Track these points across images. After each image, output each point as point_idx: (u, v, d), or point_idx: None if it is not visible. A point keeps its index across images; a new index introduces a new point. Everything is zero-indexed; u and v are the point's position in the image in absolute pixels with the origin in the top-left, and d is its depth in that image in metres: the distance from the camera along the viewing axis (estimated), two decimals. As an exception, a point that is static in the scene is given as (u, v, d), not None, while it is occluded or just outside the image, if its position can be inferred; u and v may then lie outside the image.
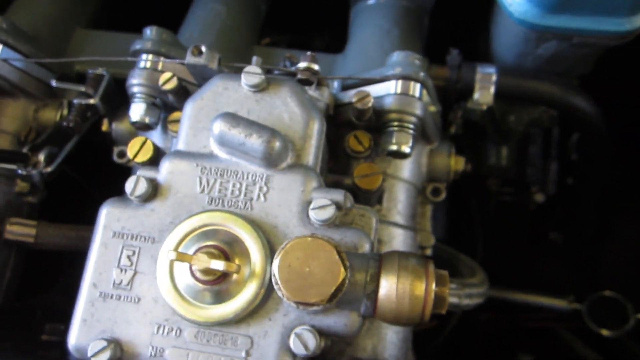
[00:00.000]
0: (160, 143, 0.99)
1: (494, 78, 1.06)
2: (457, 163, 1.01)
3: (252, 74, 0.78)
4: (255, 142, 0.72)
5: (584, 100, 1.11)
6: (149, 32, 0.97)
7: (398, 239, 0.92)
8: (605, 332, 1.44)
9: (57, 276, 1.19)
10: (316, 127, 0.77)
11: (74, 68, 1.15)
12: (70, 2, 1.23)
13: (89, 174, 1.18)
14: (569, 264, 1.67)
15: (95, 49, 1.20)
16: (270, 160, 0.73)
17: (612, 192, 1.58)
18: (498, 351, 1.64)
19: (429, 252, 0.99)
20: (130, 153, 0.86)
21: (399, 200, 0.94)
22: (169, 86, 0.89)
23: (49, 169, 1.00)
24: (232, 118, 0.73)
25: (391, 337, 0.90)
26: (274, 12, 1.36)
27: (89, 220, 0.86)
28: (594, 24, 0.94)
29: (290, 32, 1.43)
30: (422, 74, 0.91)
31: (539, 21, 0.95)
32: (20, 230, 1.00)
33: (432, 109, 0.99)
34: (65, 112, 1.07)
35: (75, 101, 1.03)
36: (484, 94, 1.06)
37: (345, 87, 0.97)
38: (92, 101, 1.01)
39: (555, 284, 1.64)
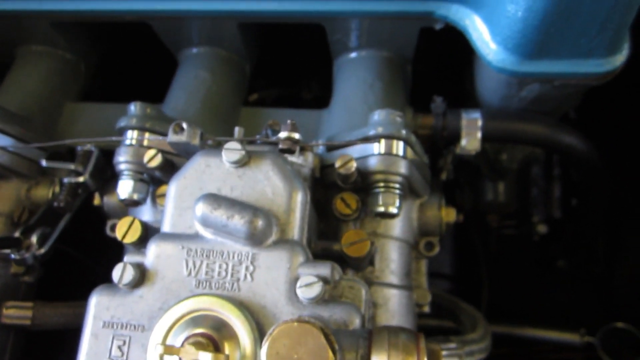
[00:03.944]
0: (150, 216, 1.00)
1: (479, 123, 1.06)
2: (449, 215, 1.00)
3: (233, 150, 0.78)
4: (238, 222, 0.71)
5: (573, 136, 1.09)
6: (133, 108, 0.98)
7: (393, 300, 0.90)
8: (619, 365, 1.41)
9: (58, 354, 1.18)
10: (299, 199, 0.77)
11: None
12: (60, 80, 1.25)
13: (84, 246, 1.18)
14: (579, 291, 1.64)
15: (85, 121, 1.22)
16: (255, 239, 0.72)
17: (617, 217, 1.56)
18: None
19: (426, 309, 0.97)
20: (118, 234, 0.86)
21: (391, 259, 0.92)
22: (154, 163, 0.90)
23: (42, 251, 1.00)
24: (214, 200, 0.73)
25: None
26: (261, 68, 1.37)
27: (90, 292, 0.85)
28: (573, 67, 0.93)
29: (278, 86, 1.45)
30: (403, 131, 0.90)
31: (517, 68, 0.94)
32: (17, 313, 1.00)
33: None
34: (57, 189, 1.08)
35: (65, 180, 1.04)
36: (471, 141, 1.05)
37: (330, 148, 0.97)
38: (81, 179, 1.02)
39: (566, 313, 1.61)
